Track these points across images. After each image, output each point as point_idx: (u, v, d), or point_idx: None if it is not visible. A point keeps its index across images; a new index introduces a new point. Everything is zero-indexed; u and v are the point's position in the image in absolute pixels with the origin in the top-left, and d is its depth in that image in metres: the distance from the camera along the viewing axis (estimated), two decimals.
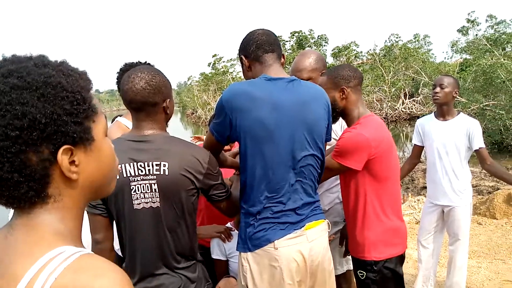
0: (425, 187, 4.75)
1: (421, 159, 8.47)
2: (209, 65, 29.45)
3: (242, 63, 1.70)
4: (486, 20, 16.40)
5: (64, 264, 0.58)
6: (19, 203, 0.63)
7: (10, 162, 0.59)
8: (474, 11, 17.71)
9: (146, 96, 1.42)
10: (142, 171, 1.44)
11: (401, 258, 1.93)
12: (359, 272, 1.89)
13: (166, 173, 1.43)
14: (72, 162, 0.65)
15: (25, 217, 0.64)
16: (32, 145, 0.60)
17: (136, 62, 2.27)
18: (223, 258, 2.12)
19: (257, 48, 1.63)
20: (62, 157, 0.63)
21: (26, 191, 0.62)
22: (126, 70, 2.24)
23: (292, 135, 1.53)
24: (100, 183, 0.72)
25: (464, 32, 17.48)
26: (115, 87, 2.33)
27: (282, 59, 1.69)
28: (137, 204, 1.44)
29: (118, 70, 2.30)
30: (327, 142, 1.76)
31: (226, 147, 2.34)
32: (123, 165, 1.43)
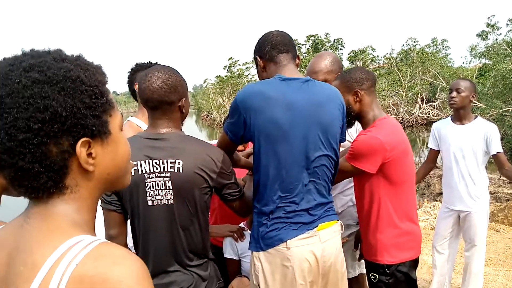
0: (441, 193, 4.68)
1: (437, 165, 8.30)
2: (224, 68, 29.66)
3: (257, 63, 1.72)
4: (507, 25, 16.06)
5: (84, 252, 0.59)
6: (37, 193, 0.64)
7: (32, 153, 0.61)
8: (494, 15, 17.33)
9: (163, 95, 1.45)
10: (157, 169, 1.46)
11: (415, 263, 1.90)
12: (372, 275, 1.88)
13: (181, 171, 1.45)
14: (89, 155, 0.66)
15: (42, 206, 0.66)
16: (53, 137, 0.62)
17: (147, 63, 2.31)
18: (236, 258, 2.13)
19: (272, 48, 1.64)
20: (81, 149, 0.65)
21: (46, 181, 0.63)
22: (137, 70, 2.28)
23: (306, 135, 1.53)
24: (115, 176, 0.73)
25: (483, 36, 17.15)
26: None
27: (297, 60, 1.69)
28: (152, 201, 1.46)
29: (129, 70, 2.35)
30: (341, 144, 1.76)
31: (240, 148, 2.36)
32: (138, 162, 1.45)
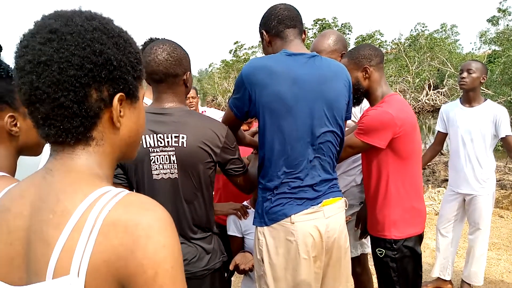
0: (446, 180, 4.65)
1: (443, 152, 8.21)
2: (230, 52, 29.38)
3: (262, 38, 1.69)
4: None
5: (115, 200, 0.62)
6: (66, 136, 0.66)
7: (76, 92, 0.64)
8: (506, 0, 16.95)
9: (168, 67, 1.44)
10: (161, 143, 1.46)
11: (420, 238, 1.92)
12: (378, 250, 1.89)
13: (185, 145, 1.45)
14: (119, 112, 0.70)
15: (66, 157, 0.68)
16: (98, 82, 0.65)
17: (149, 39, 2.28)
18: (239, 235, 2.14)
19: (278, 23, 1.61)
20: (117, 103, 0.68)
21: (78, 125, 0.66)
22: (142, 50, 2.26)
23: (311, 110, 1.52)
24: (134, 140, 0.76)
25: (494, 22, 16.80)
26: None
27: (303, 35, 1.66)
28: (156, 174, 1.47)
29: None
30: (347, 121, 1.74)
31: (245, 127, 2.35)
32: (143, 136, 1.45)
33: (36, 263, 0.61)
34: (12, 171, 1.03)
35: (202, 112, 4.78)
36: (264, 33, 1.66)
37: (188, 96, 4.71)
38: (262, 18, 1.67)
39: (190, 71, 1.55)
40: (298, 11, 1.66)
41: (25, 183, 0.70)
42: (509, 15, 16.31)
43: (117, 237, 0.60)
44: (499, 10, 16.50)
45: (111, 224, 0.60)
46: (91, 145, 0.69)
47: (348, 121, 1.95)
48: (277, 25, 1.61)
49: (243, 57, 28.71)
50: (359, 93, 1.90)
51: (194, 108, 4.71)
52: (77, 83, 0.63)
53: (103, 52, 0.65)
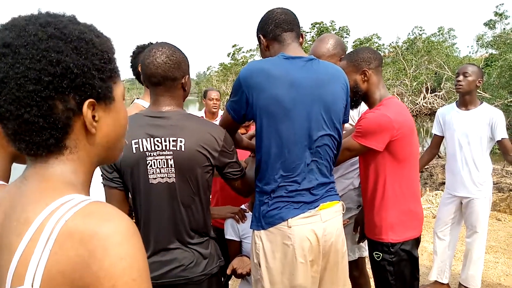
0: (444, 183, 4.66)
1: (441, 155, 8.22)
2: (228, 56, 29.43)
3: (260, 42, 1.69)
4: None
5: (74, 209, 0.60)
6: (37, 150, 0.65)
7: (38, 106, 0.62)
8: (502, 4, 17.05)
9: (167, 70, 1.44)
10: (158, 147, 1.45)
11: (417, 241, 1.93)
12: (375, 254, 1.89)
13: (183, 149, 1.44)
14: (93, 117, 0.68)
15: (39, 166, 0.67)
16: (61, 92, 0.63)
17: (148, 44, 2.29)
18: (237, 239, 2.13)
19: (275, 27, 1.61)
20: (87, 110, 0.66)
21: (47, 138, 0.64)
22: (139, 52, 2.27)
23: (309, 114, 1.52)
24: (113, 144, 0.74)
25: (491, 25, 16.87)
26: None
27: (301, 39, 1.66)
28: (153, 179, 1.46)
29: (131, 54, 2.34)
30: (344, 124, 1.74)
31: (242, 131, 2.35)
32: (140, 140, 1.45)
33: (1, 270, 0.61)
34: (6, 178, 1.03)
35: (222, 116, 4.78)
36: (262, 37, 1.66)
37: (212, 97, 4.81)
38: (259, 22, 1.68)
39: (189, 75, 1.55)
40: (295, 15, 1.67)
41: (3, 192, 0.70)
42: (506, 18, 16.40)
43: (73, 247, 0.58)
44: (496, 13, 16.60)
45: (68, 234, 0.58)
46: (64, 154, 0.68)
47: (346, 125, 1.96)
48: (274, 29, 1.61)
49: (241, 60, 28.74)
50: (358, 96, 1.91)
51: (216, 110, 4.77)
52: (37, 97, 0.61)
53: (60, 61, 0.62)
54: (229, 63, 29.84)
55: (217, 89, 5.55)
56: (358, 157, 1.99)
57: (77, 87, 0.64)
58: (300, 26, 1.68)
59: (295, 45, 1.61)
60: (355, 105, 1.94)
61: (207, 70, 40.01)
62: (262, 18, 1.67)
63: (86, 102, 0.65)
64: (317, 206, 1.56)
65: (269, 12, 1.65)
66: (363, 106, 2.05)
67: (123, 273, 0.58)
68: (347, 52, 2.13)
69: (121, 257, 0.58)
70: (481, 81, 2.87)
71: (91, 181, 0.73)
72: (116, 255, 0.58)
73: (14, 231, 0.61)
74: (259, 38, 1.68)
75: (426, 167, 9.02)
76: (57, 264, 0.58)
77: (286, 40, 1.61)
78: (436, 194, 6.34)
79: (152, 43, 2.26)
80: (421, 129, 17.40)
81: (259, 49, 1.75)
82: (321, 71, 1.57)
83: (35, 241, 0.59)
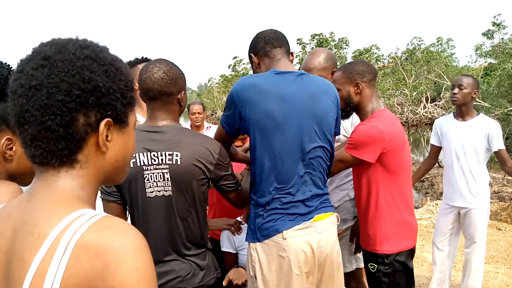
0: None
1: (441, 164, 8.21)
2: (229, 67, 29.63)
3: (251, 61, 1.75)
4: None
5: (88, 223, 0.63)
6: (51, 158, 0.68)
7: (62, 116, 0.66)
8: (500, 14, 17.14)
9: (163, 85, 1.48)
10: (155, 161, 1.48)
11: (411, 252, 1.93)
12: (370, 265, 1.90)
13: (179, 163, 1.47)
14: (106, 136, 0.72)
15: (49, 179, 0.70)
16: (85, 107, 0.68)
17: (141, 58, 2.33)
18: (233, 251, 2.15)
19: (265, 43, 1.67)
20: (104, 128, 0.70)
21: (63, 148, 0.68)
22: (132, 65, 2.31)
23: (301, 126, 1.55)
24: (121, 165, 0.78)
25: (489, 35, 16.97)
26: None
27: (291, 56, 1.71)
28: (150, 192, 1.49)
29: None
30: (336, 137, 1.77)
31: (238, 144, 2.38)
32: (137, 154, 1.47)
33: (14, 284, 0.63)
34: None
35: (207, 128, 4.72)
36: (253, 56, 1.72)
37: (194, 111, 4.66)
38: (250, 43, 1.74)
39: (185, 91, 1.59)
40: (283, 34, 1.73)
41: (10, 207, 0.72)
42: (504, 28, 16.50)
43: (88, 260, 0.60)
44: (494, 24, 16.71)
45: (83, 247, 0.61)
46: (75, 168, 0.71)
47: (340, 137, 1.98)
48: (264, 46, 1.67)
49: (242, 71, 28.90)
50: (349, 107, 1.94)
51: (199, 123, 4.62)
52: (64, 107, 0.66)
53: (92, 79, 0.67)
54: (230, 75, 30.02)
55: (200, 101, 5.42)
56: (352, 168, 2.01)
57: (101, 105, 0.69)
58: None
59: (285, 61, 1.66)
60: (346, 115, 1.97)
61: (208, 82, 40.24)
62: (252, 39, 1.74)
63: (104, 121, 0.70)
64: (311, 218, 1.58)
65: (258, 33, 1.73)
66: (357, 118, 2.08)
67: (138, 283, 0.61)
68: (345, 63, 2.16)
69: (136, 268, 0.61)
70: (476, 92, 2.90)
71: (96, 197, 0.76)
72: (130, 266, 0.61)
73: (28, 245, 0.63)
74: (250, 58, 1.74)
75: (427, 176, 9.01)
76: (73, 276, 0.60)
77: (276, 55, 1.65)
78: (437, 204, 6.33)
79: (147, 58, 2.30)
80: (422, 139, 17.42)
81: (251, 68, 1.80)
82: (311, 85, 1.60)
83: (51, 254, 0.61)
